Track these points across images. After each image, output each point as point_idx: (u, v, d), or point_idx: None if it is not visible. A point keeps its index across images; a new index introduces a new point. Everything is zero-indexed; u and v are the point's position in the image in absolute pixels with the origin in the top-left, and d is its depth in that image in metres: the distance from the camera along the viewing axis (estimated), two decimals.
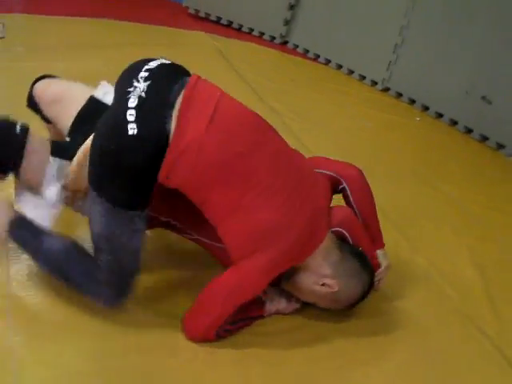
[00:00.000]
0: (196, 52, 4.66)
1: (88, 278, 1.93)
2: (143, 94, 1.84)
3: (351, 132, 3.77)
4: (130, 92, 1.85)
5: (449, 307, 2.41)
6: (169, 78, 1.93)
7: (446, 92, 4.05)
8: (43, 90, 2.26)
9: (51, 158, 2.01)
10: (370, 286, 2.10)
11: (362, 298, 2.10)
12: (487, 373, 2.13)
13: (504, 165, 3.75)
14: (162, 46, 4.65)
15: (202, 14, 5.34)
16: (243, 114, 1.97)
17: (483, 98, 3.80)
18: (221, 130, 1.86)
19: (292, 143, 3.40)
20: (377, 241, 2.31)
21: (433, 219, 2.97)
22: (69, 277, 1.95)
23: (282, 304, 2.12)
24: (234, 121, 1.91)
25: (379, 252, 2.29)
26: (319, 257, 1.99)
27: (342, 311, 2.14)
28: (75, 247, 1.97)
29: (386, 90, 4.43)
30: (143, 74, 1.89)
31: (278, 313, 2.12)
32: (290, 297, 2.13)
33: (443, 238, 2.86)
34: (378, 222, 2.33)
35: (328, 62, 4.77)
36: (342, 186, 2.25)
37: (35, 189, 2.02)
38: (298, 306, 2.14)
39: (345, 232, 2.17)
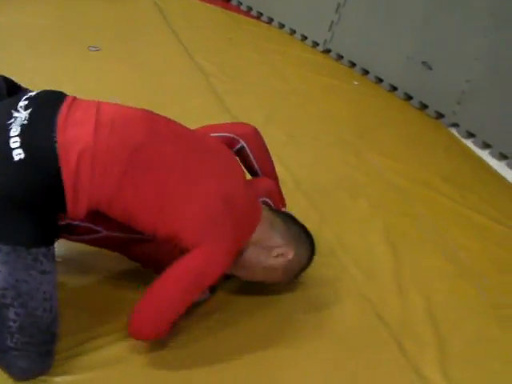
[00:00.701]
0: (134, 8, 4.36)
1: None
2: (25, 122, 1.64)
3: (282, 95, 3.46)
4: (10, 124, 1.65)
5: (349, 288, 2.13)
6: (50, 101, 1.74)
7: (386, 56, 3.73)
8: None
9: None
10: (313, 250, 1.97)
11: (309, 262, 1.97)
12: (380, 365, 1.86)
13: (441, 135, 3.43)
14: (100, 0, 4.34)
15: None
16: (129, 111, 1.81)
17: (424, 63, 3.48)
18: (110, 130, 1.68)
19: (214, 105, 3.17)
20: (278, 199, 2.17)
21: (350, 190, 2.67)
22: None
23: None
24: (121, 118, 1.74)
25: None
26: (265, 228, 1.85)
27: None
28: None
29: (327, 51, 4.10)
30: (22, 103, 1.71)
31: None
32: None
33: (358, 211, 2.56)
34: (277, 178, 2.20)
35: (271, 20, 4.43)
36: (239, 146, 2.06)
37: None
38: (209, 294, 1.95)
39: (270, 202, 2.04)
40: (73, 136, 1.63)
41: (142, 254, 1.92)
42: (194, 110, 3.02)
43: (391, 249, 2.36)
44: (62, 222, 1.77)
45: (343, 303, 2.06)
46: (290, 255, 1.87)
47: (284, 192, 2.22)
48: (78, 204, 1.64)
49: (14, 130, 1.63)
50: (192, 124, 2.12)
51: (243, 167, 2.02)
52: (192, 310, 1.81)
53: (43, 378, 1.63)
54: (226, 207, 1.72)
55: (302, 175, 2.69)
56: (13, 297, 1.57)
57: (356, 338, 1.94)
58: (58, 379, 1.64)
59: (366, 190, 2.70)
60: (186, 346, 1.80)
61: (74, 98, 1.76)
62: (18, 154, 1.59)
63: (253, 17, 4.53)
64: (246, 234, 1.81)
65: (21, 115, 1.67)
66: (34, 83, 2.97)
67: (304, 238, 1.95)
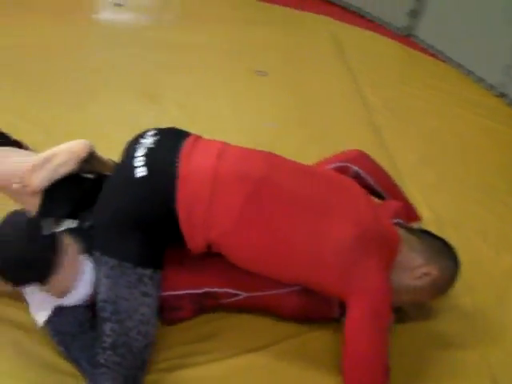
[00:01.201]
0: (311, 37, 4.40)
1: (87, 353, 1.65)
2: (152, 145, 1.73)
3: (441, 136, 3.30)
4: (136, 148, 1.74)
5: (472, 347, 1.99)
6: (176, 134, 1.81)
7: None
8: None
9: (84, 259, 1.73)
10: (458, 261, 1.90)
11: (455, 274, 1.90)
12: None
13: None
14: (276, 25, 4.48)
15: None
16: (251, 150, 1.83)
17: None
18: (233, 162, 1.72)
19: (370, 140, 3.10)
20: (410, 214, 2.16)
21: (495, 243, 2.48)
22: (70, 349, 1.68)
23: None
24: (243, 153, 1.78)
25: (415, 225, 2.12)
26: (404, 250, 1.81)
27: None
28: (88, 322, 1.72)
29: (502, 95, 3.85)
30: (150, 132, 1.80)
31: None
32: None
33: (500, 268, 2.37)
34: (404, 194, 2.17)
35: (449, 60, 4.25)
36: (353, 171, 2.04)
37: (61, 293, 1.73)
38: (393, 316, 1.86)
39: (404, 223, 1.99)
40: (195, 164, 1.67)
41: (286, 308, 1.91)
42: (350, 143, 2.94)
43: None
44: (199, 291, 1.83)
45: (461, 361, 1.93)
46: (435, 272, 1.81)
47: None
48: (193, 231, 1.66)
49: (140, 152, 1.70)
50: None
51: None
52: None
53: None
54: (363, 246, 1.69)
55: (447, 220, 2.56)
56: (111, 312, 1.61)
57: None
58: None
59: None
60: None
61: (199, 136, 1.82)
62: (141, 172, 1.65)
63: (431, 55, 4.37)
64: (389, 260, 1.77)
65: (147, 141, 1.74)
66: (194, 101, 3.16)
67: (446, 252, 1.89)
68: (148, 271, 1.64)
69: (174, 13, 4.46)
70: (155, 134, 1.78)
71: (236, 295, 1.85)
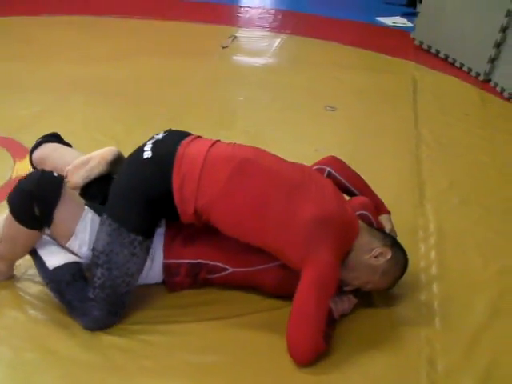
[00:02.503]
0: (391, 78, 4.74)
1: (79, 294, 2.06)
2: (160, 138, 2.18)
3: (484, 168, 3.43)
4: (149, 140, 2.19)
5: (419, 328, 2.20)
6: (182, 133, 2.21)
7: None
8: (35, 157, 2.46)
9: (86, 207, 2.14)
10: (407, 259, 2.21)
11: (404, 269, 2.20)
12: None
13: None
14: (362, 68, 4.90)
15: (424, 47, 5.30)
16: (240, 144, 2.20)
17: None
18: (223, 148, 2.14)
19: (407, 167, 3.36)
20: (380, 208, 2.40)
21: (486, 257, 2.62)
22: (63, 294, 2.08)
23: (344, 303, 2.18)
24: (235, 145, 2.18)
25: (383, 217, 2.39)
26: (365, 235, 2.14)
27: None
28: (79, 268, 2.12)
29: None
30: (163, 131, 2.23)
31: (343, 313, 2.19)
32: (345, 295, 2.19)
33: (484, 276, 2.51)
34: (373, 191, 2.43)
35: None
36: (326, 172, 2.36)
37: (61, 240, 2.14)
38: (355, 300, 2.21)
39: (369, 215, 2.30)
40: (191, 150, 2.10)
41: (266, 284, 2.26)
42: (386, 168, 3.28)
43: (490, 314, 2.30)
44: (194, 261, 2.24)
45: (408, 339, 2.16)
46: (389, 255, 2.11)
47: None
48: (184, 201, 2.05)
49: (150, 142, 2.17)
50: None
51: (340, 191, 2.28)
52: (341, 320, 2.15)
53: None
54: (322, 227, 2.02)
55: (449, 234, 2.76)
56: (104, 260, 2.05)
57: (391, 372, 2.04)
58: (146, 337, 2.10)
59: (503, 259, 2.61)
60: None
61: (201, 136, 2.23)
62: (147, 154, 2.10)
63: (505, 98, 4.49)
64: (346, 244, 2.09)
65: (159, 136, 2.20)
66: (259, 129, 3.65)
67: (400, 246, 2.20)
68: (139, 237, 2.06)
69: (274, 56, 5.00)
70: (165, 132, 2.22)
71: (224, 269, 2.22)
